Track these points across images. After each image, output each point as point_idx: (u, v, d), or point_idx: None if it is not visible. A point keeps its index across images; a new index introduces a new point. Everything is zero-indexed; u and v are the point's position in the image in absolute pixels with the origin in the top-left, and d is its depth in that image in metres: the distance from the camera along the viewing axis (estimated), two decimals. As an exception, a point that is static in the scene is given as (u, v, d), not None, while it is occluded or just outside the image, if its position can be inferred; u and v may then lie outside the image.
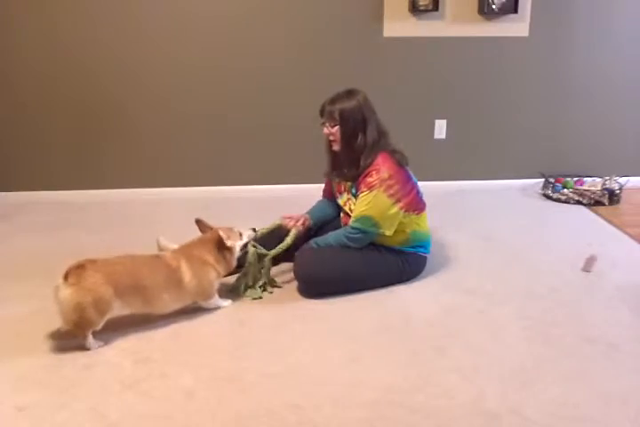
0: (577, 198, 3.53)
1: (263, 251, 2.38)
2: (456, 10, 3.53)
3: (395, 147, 2.36)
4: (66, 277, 1.88)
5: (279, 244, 2.40)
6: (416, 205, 2.37)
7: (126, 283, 1.97)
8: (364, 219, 2.28)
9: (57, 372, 1.85)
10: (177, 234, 2.98)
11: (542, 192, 3.73)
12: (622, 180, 3.60)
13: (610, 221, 3.21)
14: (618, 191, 3.53)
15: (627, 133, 3.88)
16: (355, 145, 2.29)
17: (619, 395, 1.71)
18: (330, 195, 2.62)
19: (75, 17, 3.41)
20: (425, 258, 2.49)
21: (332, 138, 2.34)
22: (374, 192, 2.25)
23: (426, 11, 3.49)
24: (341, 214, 2.53)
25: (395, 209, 2.27)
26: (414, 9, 3.47)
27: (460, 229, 3.09)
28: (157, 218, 3.37)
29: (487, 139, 3.83)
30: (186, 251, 2.19)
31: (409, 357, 1.92)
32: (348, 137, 2.29)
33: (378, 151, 2.29)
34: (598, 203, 3.49)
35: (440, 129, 3.78)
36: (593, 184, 3.61)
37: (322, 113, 2.34)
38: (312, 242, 2.41)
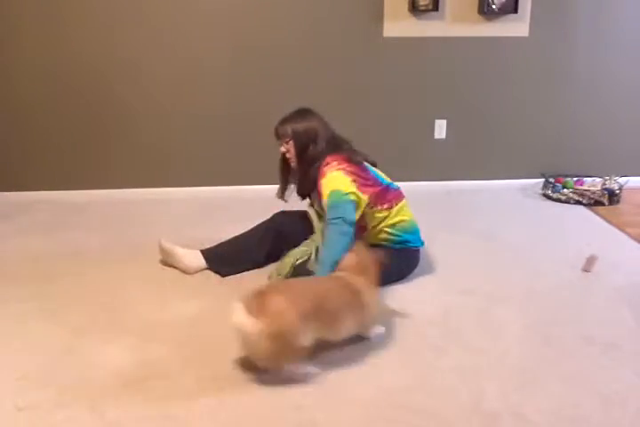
0: (577, 198, 3.53)
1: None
2: (456, 10, 3.53)
3: (354, 149, 2.43)
4: (248, 309, 1.70)
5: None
6: (383, 197, 2.36)
7: (312, 307, 1.75)
8: (332, 195, 2.26)
9: (57, 372, 1.85)
10: (178, 234, 3.00)
11: (542, 192, 3.73)
12: (622, 180, 3.60)
13: (610, 221, 3.21)
14: (618, 191, 3.53)
15: (627, 133, 3.88)
16: (308, 157, 2.37)
17: (618, 395, 1.71)
18: None
19: (79, 17, 3.41)
20: (417, 251, 2.48)
21: (288, 155, 2.43)
22: (328, 175, 2.30)
23: (426, 11, 3.49)
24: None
25: (353, 186, 2.27)
26: (414, 9, 3.47)
27: (460, 229, 3.09)
28: (158, 218, 3.37)
29: (487, 139, 3.83)
30: (359, 271, 1.98)
31: (409, 356, 1.92)
32: (302, 150, 2.37)
33: (324, 157, 2.36)
34: (598, 203, 3.49)
35: (440, 129, 3.78)
36: (593, 184, 3.61)
37: (276, 134, 2.45)
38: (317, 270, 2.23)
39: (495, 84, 3.72)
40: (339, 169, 2.31)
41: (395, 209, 2.38)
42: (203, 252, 2.59)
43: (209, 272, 2.57)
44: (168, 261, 2.62)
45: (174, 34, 3.49)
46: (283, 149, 2.44)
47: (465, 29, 3.58)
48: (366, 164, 2.42)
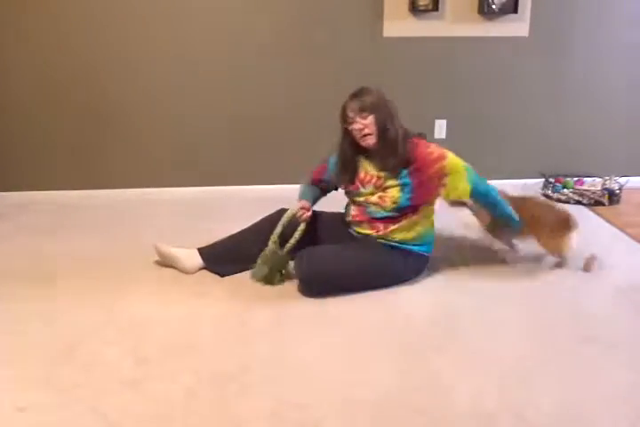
0: (577, 198, 3.53)
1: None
2: (456, 10, 3.53)
3: (420, 132, 2.44)
4: None
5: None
6: None
7: None
8: (469, 172, 2.36)
9: (57, 372, 1.85)
10: (177, 234, 3.00)
11: (542, 192, 3.73)
12: (622, 180, 3.60)
13: (610, 221, 3.21)
14: (618, 191, 3.53)
15: (627, 133, 3.88)
16: (391, 133, 2.30)
17: (619, 395, 1.71)
18: (318, 181, 2.61)
19: (77, 17, 3.41)
20: (427, 258, 2.49)
21: (366, 131, 2.30)
22: (448, 158, 2.33)
23: (426, 11, 3.49)
24: (352, 208, 2.49)
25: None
26: (414, 9, 3.47)
27: (460, 229, 3.08)
28: (158, 218, 3.37)
29: (487, 139, 3.83)
30: None
31: (409, 356, 1.92)
32: (384, 125, 2.29)
33: (408, 137, 2.35)
34: (598, 203, 3.49)
35: (440, 129, 3.78)
36: (593, 184, 3.61)
37: (345, 113, 2.31)
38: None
39: (495, 84, 3.72)
40: (448, 152, 2.35)
41: (432, 208, 2.46)
42: (200, 251, 2.58)
43: (208, 272, 2.57)
44: (167, 264, 2.62)
45: (173, 34, 3.49)
46: (359, 125, 2.28)
47: (465, 29, 3.57)
48: None
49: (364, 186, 2.43)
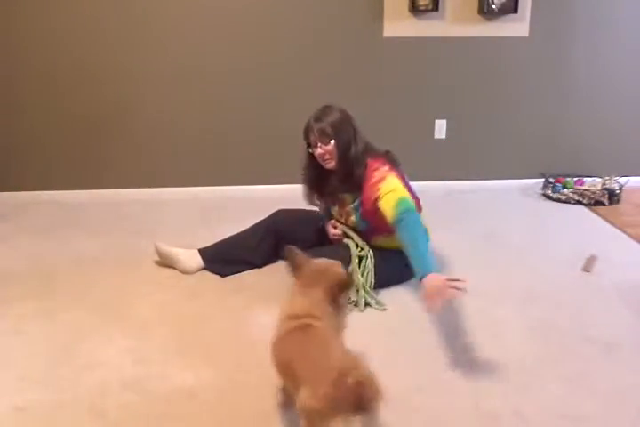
0: (577, 198, 3.53)
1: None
2: (456, 10, 3.53)
3: (387, 149, 2.38)
4: None
5: None
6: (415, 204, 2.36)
7: None
8: (401, 202, 2.16)
9: (57, 372, 1.85)
10: (177, 234, 3.00)
11: (542, 192, 3.73)
12: (622, 180, 3.60)
13: (610, 221, 3.21)
14: (618, 191, 3.53)
15: (627, 133, 3.87)
16: (350, 156, 2.27)
17: (619, 395, 1.71)
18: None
19: (76, 18, 3.41)
20: None
21: (327, 157, 2.29)
22: (387, 179, 2.21)
23: (426, 11, 3.49)
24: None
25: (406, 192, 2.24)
26: (414, 9, 3.47)
27: (460, 229, 3.09)
28: (158, 218, 3.37)
29: (487, 139, 3.83)
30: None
31: (409, 356, 1.92)
32: (344, 149, 2.26)
33: (366, 158, 2.29)
34: (598, 203, 3.49)
35: (440, 129, 3.78)
36: (593, 184, 3.61)
37: (308, 135, 2.29)
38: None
39: (495, 84, 3.72)
40: (392, 174, 2.23)
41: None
42: (201, 252, 2.58)
43: (208, 272, 2.57)
44: (167, 264, 2.62)
45: (173, 35, 3.48)
46: (320, 150, 2.26)
47: (465, 29, 3.57)
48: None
49: (333, 204, 2.46)
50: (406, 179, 2.34)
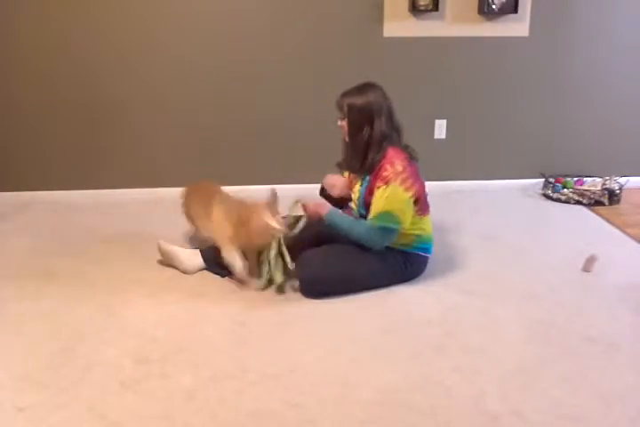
0: (577, 198, 3.53)
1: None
2: (456, 10, 3.53)
3: (406, 144, 2.39)
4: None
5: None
6: (422, 204, 2.36)
7: None
8: (384, 215, 2.23)
9: (57, 372, 1.85)
10: (177, 234, 3.00)
11: (542, 192, 3.73)
12: (622, 180, 3.60)
13: (610, 221, 3.21)
14: (618, 191, 3.53)
15: (627, 133, 3.87)
16: (359, 138, 2.29)
17: (619, 395, 1.71)
18: None
19: (76, 16, 3.41)
20: (426, 258, 2.49)
21: (343, 130, 2.36)
22: (391, 186, 2.22)
23: (426, 11, 3.49)
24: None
25: (411, 201, 2.26)
26: (414, 9, 3.47)
27: (460, 229, 3.09)
28: (158, 218, 3.37)
29: (487, 139, 3.83)
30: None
31: (409, 357, 1.92)
32: (354, 130, 2.30)
33: (387, 146, 2.29)
34: (598, 203, 3.49)
35: (440, 129, 3.78)
36: (593, 184, 3.61)
37: (336, 106, 2.37)
38: (327, 217, 2.34)
39: (495, 84, 3.72)
40: (403, 178, 2.22)
41: (425, 218, 2.40)
42: (202, 252, 2.59)
43: (208, 272, 2.57)
44: (168, 262, 2.62)
45: (174, 35, 3.48)
46: (339, 122, 2.36)
47: (465, 29, 3.57)
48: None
49: (352, 191, 2.50)
50: (419, 177, 2.34)
